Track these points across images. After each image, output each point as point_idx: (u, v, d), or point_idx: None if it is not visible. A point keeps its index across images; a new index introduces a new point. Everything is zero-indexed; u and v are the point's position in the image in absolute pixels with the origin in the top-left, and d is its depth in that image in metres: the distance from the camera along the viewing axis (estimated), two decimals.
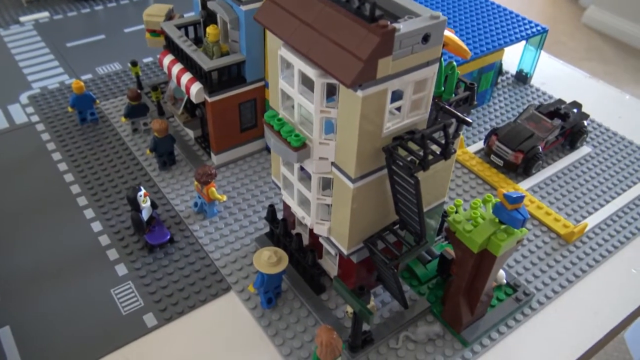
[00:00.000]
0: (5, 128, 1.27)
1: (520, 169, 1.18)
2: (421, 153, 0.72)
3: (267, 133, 0.80)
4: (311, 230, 0.87)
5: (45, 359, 0.84)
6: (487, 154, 1.22)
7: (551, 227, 1.06)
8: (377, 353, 0.85)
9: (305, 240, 0.96)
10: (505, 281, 0.93)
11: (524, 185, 1.16)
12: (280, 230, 0.95)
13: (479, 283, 0.82)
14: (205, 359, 0.85)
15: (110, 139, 1.23)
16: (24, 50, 1.54)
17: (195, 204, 1.05)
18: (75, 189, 1.11)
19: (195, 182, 1.02)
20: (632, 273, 1.02)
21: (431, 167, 0.73)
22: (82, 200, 1.09)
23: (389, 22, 0.62)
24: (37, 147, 1.22)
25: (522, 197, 0.74)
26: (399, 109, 0.73)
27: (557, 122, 1.20)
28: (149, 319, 0.89)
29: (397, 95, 0.71)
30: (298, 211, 0.87)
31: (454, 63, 0.86)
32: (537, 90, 1.47)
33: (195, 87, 1.05)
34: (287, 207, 0.95)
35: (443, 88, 0.87)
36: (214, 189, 1.01)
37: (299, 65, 0.71)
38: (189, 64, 1.08)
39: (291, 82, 0.75)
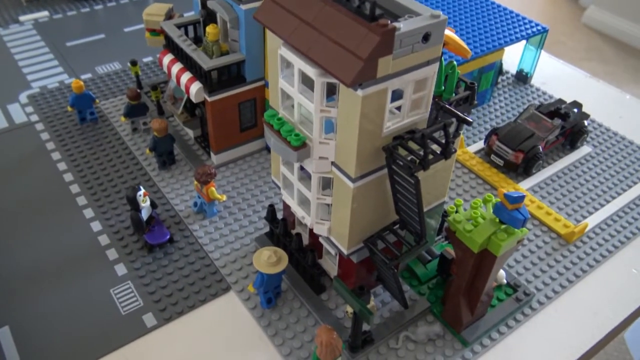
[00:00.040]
0: (4, 128, 1.27)
1: (521, 169, 1.18)
2: (421, 152, 0.72)
3: (267, 132, 0.80)
4: (311, 230, 0.86)
5: (45, 359, 0.84)
6: (487, 153, 1.21)
7: (551, 227, 1.06)
8: (377, 353, 0.85)
9: (305, 240, 0.96)
10: (505, 281, 0.93)
11: (524, 185, 1.16)
12: (280, 230, 0.95)
13: (479, 283, 0.82)
14: (204, 359, 0.85)
15: (110, 138, 1.23)
16: (24, 49, 1.54)
17: (195, 204, 1.05)
18: (74, 188, 1.11)
19: (195, 182, 1.01)
20: (633, 273, 1.01)
21: (431, 166, 0.73)
22: (81, 200, 1.09)
23: (389, 21, 0.62)
24: (37, 146, 1.22)
25: (522, 197, 0.73)
26: (399, 108, 0.73)
27: (558, 122, 1.20)
28: (149, 319, 0.89)
29: (397, 95, 0.71)
30: (298, 211, 0.87)
31: (454, 62, 0.86)
32: (538, 90, 1.47)
33: (195, 87, 1.05)
34: (287, 207, 0.95)
35: (443, 87, 0.87)
36: (213, 188, 1.01)
37: (299, 64, 0.71)
38: (189, 64, 1.08)
39: (291, 82, 0.75)
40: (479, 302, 0.85)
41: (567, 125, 1.22)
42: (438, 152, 0.74)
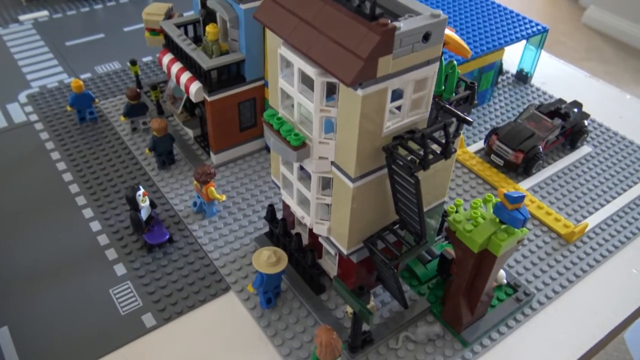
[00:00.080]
0: (4, 127, 1.27)
1: (521, 169, 1.17)
2: (421, 152, 0.72)
3: (266, 132, 0.80)
4: (311, 230, 0.86)
5: (44, 359, 0.84)
6: (487, 153, 1.21)
7: (552, 227, 1.06)
8: (376, 353, 0.85)
9: (305, 240, 0.95)
10: (505, 281, 0.93)
11: (525, 185, 1.16)
12: (280, 230, 0.95)
13: (479, 283, 0.82)
14: (204, 359, 0.85)
15: (109, 138, 1.23)
16: (23, 49, 1.53)
17: (195, 204, 1.05)
18: (74, 188, 1.11)
19: (195, 182, 1.01)
20: (633, 273, 1.01)
21: (431, 166, 0.73)
22: (80, 200, 1.09)
23: (389, 21, 0.62)
24: (36, 146, 1.21)
25: (522, 197, 0.73)
26: (399, 108, 0.73)
27: (558, 121, 1.20)
28: (148, 319, 0.89)
29: (397, 94, 0.71)
30: (297, 211, 0.87)
31: (455, 62, 0.85)
32: (538, 89, 1.46)
33: (195, 86, 1.05)
34: (286, 207, 0.95)
35: (443, 87, 0.87)
36: (213, 188, 1.01)
37: (299, 63, 0.71)
38: (189, 63, 1.08)
39: (291, 81, 0.74)
40: (479, 302, 0.84)
41: (567, 125, 1.22)
42: (438, 152, 0.74)
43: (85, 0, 1.76)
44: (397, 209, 0.79)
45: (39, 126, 1.26)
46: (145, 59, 1.48)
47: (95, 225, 1.03)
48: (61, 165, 1.16)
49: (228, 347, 0.86)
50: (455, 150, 0.77)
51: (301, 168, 0.82)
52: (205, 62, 1.02)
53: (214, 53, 1.04)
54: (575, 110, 1.25)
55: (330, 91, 0.70)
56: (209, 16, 1.10)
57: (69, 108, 1.24)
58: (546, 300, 0.94)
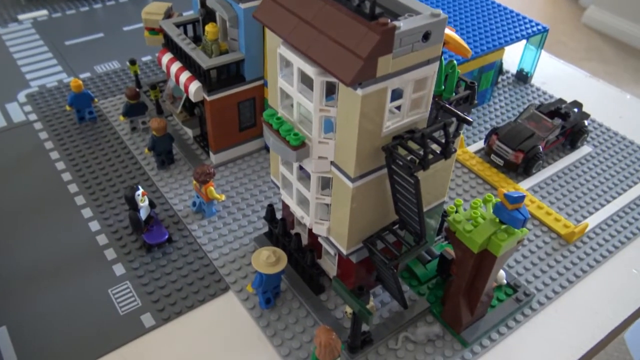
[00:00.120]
0: (3, 127, 1.26)
1: (521, 169, 1.17)
2: (421, 152, 0.72)
3: (266, 132, 0.79)
4: (310, 230, 0.86)
5: (42, 359, 0.83)
6: (487, 153, 1.21)
7: (552, 227, 1.06)
8: (376, 354, 0.85)
9: (304, 240, 0.95)
10: (505, 281, 0.93)
11: (525, 185, 1.16)
12: (279, 230, 0.95)
13: (479, 283, 0.82)
14: (203, 359, 0.85)
15: (109, 137, 1.23)
16: (23, 48, 1.53)
17: (194, 204, 1.05)
18: (73, 188, 1.11)
19: (194, 182, 1.01)
20: (633, 273, 1.01)
21: (431, 166, 0.73)
22: (79, 200, 1.08)
23: (389, 20, 0.62)
24: (35, 145, 1.21)
25: (522, 197, 0.73)
26: (398, 107, 0.73)
27: (558, 121, 1.20)
28: (147, 319, 0.88)
29: (397, 94, 0.70)
30: (297, 211, 0.86)
31: (455, 62, 0.85)
32: (538, 89, 1.46)
33: (194, 86, 1.05)
34: (286, 207, 0.95)
35: (443, 87, 0.86)
36: (212, 188, 1.00)
37: (298, 63, 0.71)
38: (188, 63, 1.08)
39: (290, 81, 0.74)
40: (478, 303, 0.84)
41: (568, 125, 1.22)
42: (438, 151, 0.74)
43: (84, 0, 1.76)
44: (396, 209, 0.79)
45: (38, 126, 1.26)
46: (144, 59, 1.48)
47: (94, 225, 1.03)
48: (60, 165, 1.16)
49: (227, 347, 0.86)
50: (455, 150, 0.77)
51: (300, 168, 0.81)
52: (205, 62, 1.02)
53: (213, 52, 1.04)
54: (576, 110, 1.25)
55: (330, 91, 0.70)
56: (209, 15, 1.10)
57: (68, 107, 1.23)
58: (546, 300, 0.94)
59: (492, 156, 1.19)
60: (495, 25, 1.33)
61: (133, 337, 0.86)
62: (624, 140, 1.30)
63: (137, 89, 1.22)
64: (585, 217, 1.09)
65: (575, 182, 1.17)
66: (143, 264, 0.96)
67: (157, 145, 1.12)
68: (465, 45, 0.88)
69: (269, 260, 0.85)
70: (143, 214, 0.97)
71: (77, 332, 0.87)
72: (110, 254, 0.98)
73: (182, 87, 1.08)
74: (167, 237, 0.98)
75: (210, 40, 1.03)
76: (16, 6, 1.71)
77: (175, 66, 1.10)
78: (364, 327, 0.83)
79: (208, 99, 1.05)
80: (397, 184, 0.74)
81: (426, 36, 0.66)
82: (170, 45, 1.13)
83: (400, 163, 0.71)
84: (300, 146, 0.74)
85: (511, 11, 1.39)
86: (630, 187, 1.17)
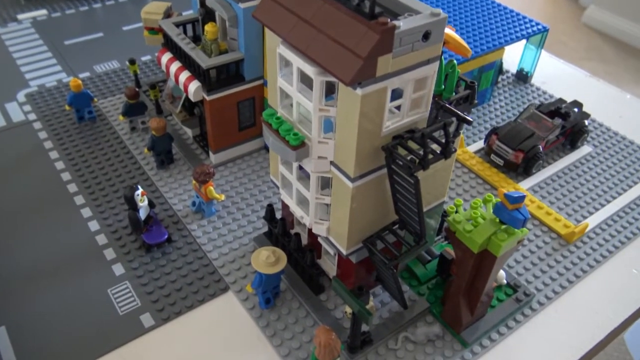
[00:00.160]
0: (2, 126, 1.26)
1: (521, 169, 1.17)
2: (421, 152, 0.72)
3: (265, 132, 0.79)
4: (310, 230, 0.86)
5: (42, 359, 0.83)
6: (487, 153, 1.21)
7: (552, 227, 1.06)
8: (376, 354, 0.84)
9: (304, 240, 0.95)
10: (505, 281, 0.93)
11: (525, 185, 1.16)
12: (279, 229, 0.94)
13: (479, 283, 0.82)
14: (202, 359, 0.84)
15: (108, 137, 1.23)
16: (22, 48, 1.53)
17: (193, 203, 1.05)
18: (72, 187, 1.11)
19: (193, 181, 1.01)
20: (633, 273, 1.01)
21: (431, 166, 0.72)
22: (79, 199, 1.08)
23: (388, 20, 0.62)
24: (34, 145, 1.21)
25: (522, 197, 0.73)
26: (398, 107, 0.72)
27: (558, 121, 1.20)
28: (146, 319, 0.88)
29: (396, 94, 0.70)
30: (297, 211, 0.86)
31: (455, 61, 0.85)
32: (538, 89, 1.46)
33: (194, 86, 1.04)
34: (285, 207, 0.95)
35: (443, 86, 0.86)
36: (212, 188, 1.00)
37: (298, 63, 0.70)
38: (187, 62, 1.08)
39: (290, 80, 0.74)
40: (478, 303, 0.84)
41: (568, 125, 1.22)
42: (438, 151, 0.74)
43: None
44: (396, 209, 0.79)
45: (37, 125, 1.26)
46: (144, 58, 1.48)
47: (94, 225, 1.03)
48: (59, 165, 1.16)
49: (227, 348, 0.86)
50: (455, 150, 0.77)
51: (300, 168, 0.81)
52: (204, 61, 1.02)
53: (212, 52, 1.04)
54: (576, 110, 1.25)
55: (330, 90, 0.70)
56: (208, 15, 1.10)
57: (67, 107, 1.23)
58: (546, 300, 0.94)
59: (492, 156, 1.19)
60: (495, 25, 1.33)
61: (132, 337, 0.86)
62: (624, 140, 1.30)
63: (137, 89, 1.22)
64: (585, 217, 1.09)
65: (575, 182, 1.17)
66: (142, 264, 0.96)
67: (157, 145, 1.12)
68: (465, 44, 0.88)
69: (268, 260, 0.85)
70: (142, 214, 0.97)
71: (76, 332, 0.86)
72: (109, 253, 0.98)
73: (181, 86, 1.08)
74: (166, 237, 0.98)
75: (210, 39, 1.03)
76: (15, 6, 1.71)
77: (175, 66, 1.10)
78: (364, 327, 0.83)
79: (207, 98, 1.05)
80: (397, 183, 0.74)
81: (426, 36, 0.66)
82: (169, 44, 1.13)
83: (400, 163, 0.71)
84: (299, 146, 0.74)
85: (511, 11, 1.39)
86: (630, 187, 1.17)
